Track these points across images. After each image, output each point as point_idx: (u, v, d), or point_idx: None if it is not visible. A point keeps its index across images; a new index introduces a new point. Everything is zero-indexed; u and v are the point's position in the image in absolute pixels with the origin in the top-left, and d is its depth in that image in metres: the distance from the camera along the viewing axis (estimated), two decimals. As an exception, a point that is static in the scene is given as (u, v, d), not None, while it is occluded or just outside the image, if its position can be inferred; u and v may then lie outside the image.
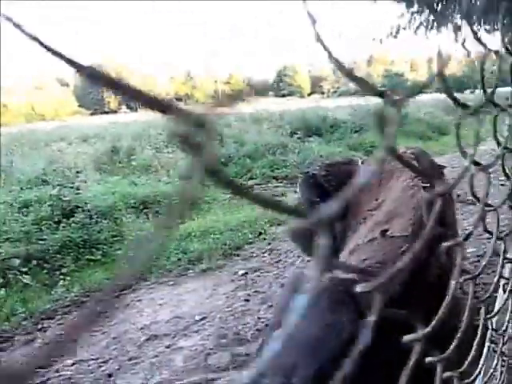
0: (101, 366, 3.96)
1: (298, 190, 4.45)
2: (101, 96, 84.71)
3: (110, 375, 3.82)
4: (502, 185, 9.19)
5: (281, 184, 12.35)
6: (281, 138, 15.52)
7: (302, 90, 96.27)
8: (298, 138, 15.88)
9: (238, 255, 6.69)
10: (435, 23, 5.60)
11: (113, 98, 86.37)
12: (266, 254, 6.63)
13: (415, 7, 5.42)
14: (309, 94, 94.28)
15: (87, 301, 5.61)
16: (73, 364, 4.06)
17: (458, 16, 5.60)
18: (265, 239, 7.31)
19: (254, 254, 6.66)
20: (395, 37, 5.79)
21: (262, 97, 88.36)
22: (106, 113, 70.52)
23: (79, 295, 5.74)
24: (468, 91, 58.17)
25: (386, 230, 3.36)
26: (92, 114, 66.62)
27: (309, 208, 4.30)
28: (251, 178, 12.65)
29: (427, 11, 5.47)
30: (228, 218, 8.08)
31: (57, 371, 3.95)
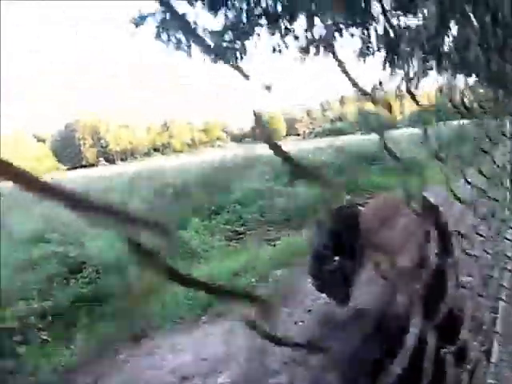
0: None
1: (312, 235, 4.83)
2: (78, 151, 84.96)
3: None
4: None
5: (271, 228, 12.68)
6: (267, 184, 15.93)
7: (277, 134, 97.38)
8: (285, 182, 16.28)
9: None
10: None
11: (90, 152, 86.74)
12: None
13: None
14: (284, 137, 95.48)
15: (107, 353, 5.88)
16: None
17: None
18: (268, 282, 7.62)
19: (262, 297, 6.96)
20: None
21: (239, 143, 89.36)
22: (84, 167, 70.50)
23: (97, 348, 5.99)
24: (442, 123, 59.71)
25: (393, 264, 3.77)
26: (69, 169, 66.51)
27: (323, 252, 4.69)
28: (242, 225, 12.99)
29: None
30: (230, 264, 8.36)
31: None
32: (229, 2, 4.71)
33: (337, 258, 4.73)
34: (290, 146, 30.99)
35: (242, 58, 4.94)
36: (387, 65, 5.58)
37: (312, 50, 5.10)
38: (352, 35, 5.16)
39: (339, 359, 3.34)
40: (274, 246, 10.30)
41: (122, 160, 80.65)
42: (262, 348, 5.11)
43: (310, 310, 6.12)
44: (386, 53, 5.27)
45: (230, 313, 6.53)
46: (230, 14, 4.75)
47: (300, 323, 5.72)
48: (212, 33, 4.78)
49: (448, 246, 4.00)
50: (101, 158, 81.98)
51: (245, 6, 4.68)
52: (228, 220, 13.11)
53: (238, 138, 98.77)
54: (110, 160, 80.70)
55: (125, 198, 14.75)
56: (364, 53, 5.36)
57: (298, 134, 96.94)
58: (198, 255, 9.53)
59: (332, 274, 4.81)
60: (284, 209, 13.51)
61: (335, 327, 3.52)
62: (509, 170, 7.84)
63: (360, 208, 5.05)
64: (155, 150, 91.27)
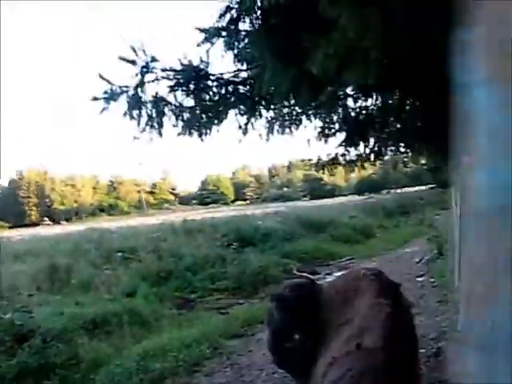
0: None
1: (271, 310, 4.85)
2: (21, 209, 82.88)
3: None
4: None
5: (222, 296, 12.59)
6: (217, 250, 15.92)
7: (225, 198, 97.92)
8: (234, 249, 16.32)
9: (199, 371, 6.88)
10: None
11: (34, 210, 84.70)
12: (227, 369, 6.85)
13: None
14: (232, 201, 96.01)
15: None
16: None
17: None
18: (222, 353, 7.54)
19: (216, 370, 6.88)
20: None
21: (187, 205, 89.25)
22: (27, 225, 68.65)
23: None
24: (385, 191, 61.45)
25: (360, 344, 3.82)
26: (11, 228, 64.65)
27: (284, 327, 4.70)
28: (192, 292, 12.85)
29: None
30: (182, 334, 8.22)
31: None
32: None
33: (297, 335, 4.75)
34: (237, 211, 31.18)
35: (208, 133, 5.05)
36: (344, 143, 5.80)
37: (275, 128, 5.25)
38: (314, 116, 5.36)
39: None
40: (226, 313, 10.22)
41: (66, 220, 78.97)
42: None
43: (266, 386, 6.07)
44: (347, 133, 5.49)
45: (183, 387, 6.42)
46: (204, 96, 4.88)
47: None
48: (186, 108, 4.87)
49: (408, 326, 4.10)
50: (45, 218, 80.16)
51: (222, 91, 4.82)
52: (177, 287, 12.94)
53: (187, 200, 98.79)
54: (55, 220, 78.95)
55: (71, 263, 14.44)
56: (326, 134, 5.57)
57: (246, 199, 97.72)
58: (148, 324, 9.33)
59: (292, 351, 4.81)
60: (235, 276, 13.45)
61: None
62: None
63: (320, 284, 5.13)
64: (101, 210, 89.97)
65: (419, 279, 11.31)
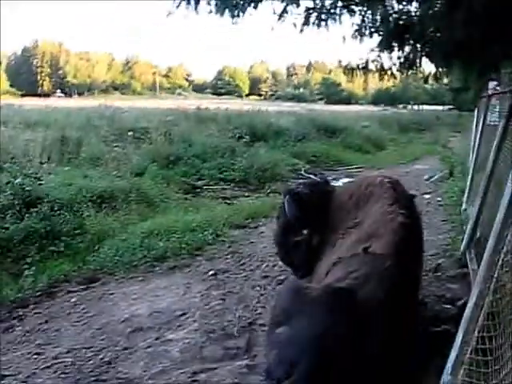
0: (97, 355, 4.23)
1: (283, 204, 4.88)
2: (34, 78, 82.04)
3: (109, 363, 4.10)
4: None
5: (229, 186, 12.70)
6: (228, 141, 15.87)
7: (240, 90, 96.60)
8: (245, 142, 16.27)
9: (200, 255, 7.02)
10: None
11: (47, 81, 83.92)
12: (228, 257, 6.99)
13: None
14: (247, 95, 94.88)
15: (57, 291, 5.83)
16: (67, 352, 4.31)
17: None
18: (224, 241, 7.67)
19: (217, 256, 7.02)
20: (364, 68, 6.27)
21: (200, 93, 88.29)
22: (39, 95, 68.15)
23: (47, 285, 5.92)
24: (401, 105, 60.51)
25: (368, 248, 3.85)
26: (23, 96, 64.20)
27: (293, 220, 4.75)
28: (200, 179, 12.95)
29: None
30: (187, 218, 8.33)
31: (55, 357, 4.20)
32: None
33: (305, 230, 4.81)
34: (250, 105, 30.82)
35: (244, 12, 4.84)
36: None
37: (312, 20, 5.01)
38: (353, 12, 5.11)
39: (307, 335, 3.42)
40: (232, 204, 10.33)
41: (79, 94, 78.40)
42: (219, 309, 5.19)
43: (266, 276, 6.20)
44: (384, 36, 5.25)
45: (185, 267, 6.57)
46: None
47: (257, 288, 5.79)
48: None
49: (418, 238, 4.11)
50: (57, 90, 79.57)
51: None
52: (186, 172, 13.02)
53: (201, 88, 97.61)
54: (67, 92, 78.37)
55: (82, 137, 14.44)
56: (363, 33, 5.32)
57: (260, 95, 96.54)
58: (154, 205, 9.46)
59: (298, 245, 4.89)
60: (243, 169, 13.49)
61: (306, 303, 3.59)
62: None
63: (334, 186, 5.13)
64: (115, 88, 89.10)
65: (426, 196, 11.31)
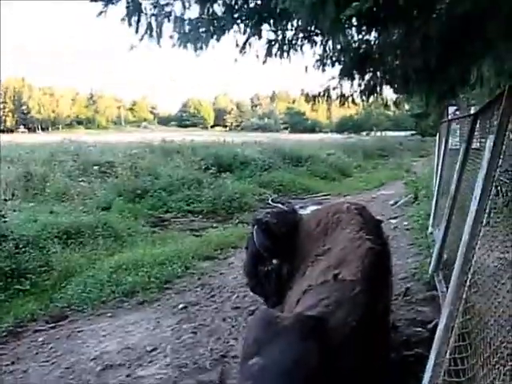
0: (66, 395, 4.14)
1: (251, 234, 4.90)
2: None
3: (78, 403, 4.01)
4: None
5: (196, 218, 12.67)
6: (194, 173, 15.88)
7: (205, 122, 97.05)
8: (211, 174, 16.31)
9: (170, 288, 6.96)
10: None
11: (10, 117, 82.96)
12: (198, 289, 6.94)
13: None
14: (212, 126, 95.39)
15: (23, 331, 5.69)
16: (35, 394, 4.20)
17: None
18: (193, 273, 7.62)
19: (187, 289, 6.96)
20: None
21: (166, 126, 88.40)
22: (2, 131, 67.27)
23: (13, 325, 5.78)
24: (365, 133, 61.58)
25: (337, 274, 3.88)
26: (-16, 132, 63.22)
27: (262, 250, 4.76)
28: (167, 212, 12.90)
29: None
30: (155, 251, 8.27)
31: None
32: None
33: (275, 260, 4.82)
34: (216, 136, 30.93)
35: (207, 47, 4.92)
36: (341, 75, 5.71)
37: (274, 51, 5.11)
38: (314, 42, 5.23)
39: (280, 365, 3.40)
40: (200, 236, 10.29)
41: (42, 129, 77.63)
42: (191, 342, 5.13)
43: (237, 307, 6.16)
44: (345, 64, 5.38)
45: (154, 301, 6.49)
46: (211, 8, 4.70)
47: (228, 320, 5.75)
48: (189, 20, 4.70)
49: (387, 263, 4.16)
50: (21, 125, 78.69)
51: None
52: (153, 205, 12.98)
53: (166, 120, 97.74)
54: (30, 128, 77.54)
55: (47, 172, 14.27)
56: (324, 62, 5.44)
57: (225, 126, 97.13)
58: (122, 239, 9.36)
59: (268, 274, 4.89)
60: (210, 200, 13.51)
61: (278, 333, 3.58)
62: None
63: (302, 214, 5.16)
64: (79, 122, 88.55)
65: (393, 221, 11.45)
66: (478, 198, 2.90)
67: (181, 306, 6.23)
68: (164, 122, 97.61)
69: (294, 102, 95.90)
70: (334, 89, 6.33)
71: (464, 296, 2.86)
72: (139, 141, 24.73)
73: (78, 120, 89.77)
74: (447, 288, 3.99)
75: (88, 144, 22.70)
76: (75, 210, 10.60)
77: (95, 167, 15.48)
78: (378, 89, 5.91)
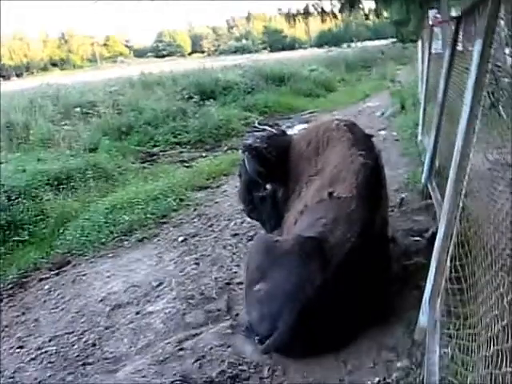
0: (80, 338, 4.21)
1: (243, 161, 4.87)
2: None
3: (94, 344, 4.09)
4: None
5: (185, 149, 12.59)
6: (178, 104, 15.66)
7: (182, 50, 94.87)
8: (195, 102, 16.11)
9: (167, 223, 7.00)
10: None
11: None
12: (195, 220, 6.98)
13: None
14: (189, 54, 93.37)
15: (28, 281, 5.74)
16: (50, 340, 4.27)
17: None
18: (189, 205, 7.65)
19: (184, 221, 7.00)
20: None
21: (142, 58, 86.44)
22: (-28, 80, 65.42)
23: (18, 276, 5.82)
24: (345, 45, 60.50)
25: (332, 192, 3.89)
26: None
27: (255, 176, 4.75)
28: (155, 146, 12.80)
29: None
30: (148, 187, 8.23)
31: (39, 348, 4.16)
32: None
33: (268, 185, 4.82)
34: (195, 63, 30.33)
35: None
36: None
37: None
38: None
39: (282, 287, 3.46)
40: (190, 166, 10.25)
41: (17, 76, 75.69)
42: (195, 274, 5.20)
43: (236, 234, 6.22)
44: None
45: (153, 237, 6.54)
46: None
47: (229, 247, 5.81)
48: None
49: (380, 176, 4.16)
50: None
51: None
52: (139, 141, 12.86)
53: (142, 53, 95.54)
54: (5, 76, 75.55)
55: (29, 120, 13.97)
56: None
57: (203, 51, 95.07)
58: (113, 178, 9.31)
59: (263, 200, 4.91)
60: (197, 129, 13.40)
61: (279, 257, 3.62)
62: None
63: (291, 135, 5.12)
64: (53, 64, 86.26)
65: (381, 133, 11.42)
66: (469, 105, 2.86)
67: (180, 238, 6.30)
68: (140, 54, 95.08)
69: (270, 20, 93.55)
70: (313, 5, 6.17)
71: (461, 204, 2.87)
72: (117, 76, 24.22)
73: (52, 62, 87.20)
74: (441, 196, 4.02)
75: (66, 86, 22.14)
76: (62, 154, 10.44)
77: (77, 109, 15.12)
78: (358, 0, 5.76)
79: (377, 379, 3.25)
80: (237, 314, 4.24)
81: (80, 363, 3.86)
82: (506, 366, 1.81)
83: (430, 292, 3.25)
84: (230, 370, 3.48)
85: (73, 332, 4.35)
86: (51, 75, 50.37)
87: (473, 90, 2.88)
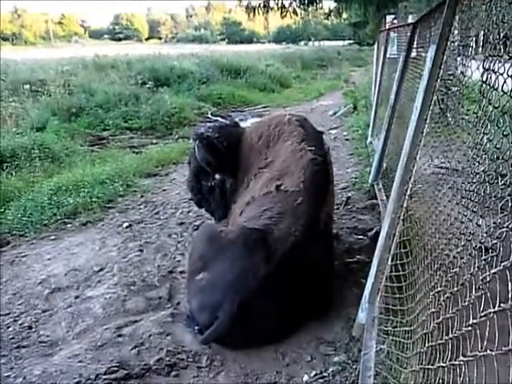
0: (16, 320, 4.10)
1: (193, 150, 4.85)
2: None
3: (30, 327, 3.99)
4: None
5: (135, 135, 12.44)
6: (131, 88, 15.46)
7: (139, 35, 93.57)
8: (148, 88, 15.94)
9: (113, 208, 6.90)
10: None
11: None
12: (141, 207, 6.91)
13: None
14: (146, 39, 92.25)
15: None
16: (-16, 320, 4.15)
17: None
18: (135, 191, 7.56)
19: (130, 207, 6.92)
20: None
21: (98, 40, 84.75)
22: None
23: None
24: (303, 42, 60.95)
25: (280, 186, 3.92)
26: None
27: (205, 165, 4.74)
28: (105, 129, 12.59)
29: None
30: (95, 171, 8.09)
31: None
32: None
33: (217, 175, 4.82)
34: (152, 49, 29.97)
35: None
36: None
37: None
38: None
39: (225, 278, 3.47)
40: (140, 152, 10.14)
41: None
42: (138, 260, 5.15)
43: (182, 223, 6.19)
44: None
45: (98, 221, 6.43)
46: None
47: (174, 236, 5.78)
48: None
49: (328, 173, 4.22)
50: None
51: None
52: (89, 124, 12.62)
53: (98, 34, 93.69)
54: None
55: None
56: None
57: (160, 38, 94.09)
58: (59, 160, 9.10)
59: (211, 190, 4.90)
60: (148, 116, 13.26)
61: (223, 247, 3.63)
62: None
63: (244, 127, 5.12)
64: (4, 39, 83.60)
65: (332, 132, 11.57)
66: (418, 108, 2.93)
67: (125, 224, 6.22)
68: (96, 35, 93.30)
69: (230, 11, 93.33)
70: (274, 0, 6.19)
71: (405, 205, 2.94)
72: (71, 56, 23.68)
73: (2, 36, 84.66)
74: (387, 196, 4.10)
75: (16, 62, 21.50)
76: (8, 132, 10.14)
77: (26, 86, 14.69)
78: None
79: (314, 372, 3.32)
80: (178, 303, 4.24)
81: (14, 346, 3.76)
82: (439, 361, 1.87)
83: (370, 289, 3.33)
84: (168, 358, 3.48)
85: (8, 314, 4.23)
86: (1, 49, 48.78)
87: (423, 95, 2.94)
